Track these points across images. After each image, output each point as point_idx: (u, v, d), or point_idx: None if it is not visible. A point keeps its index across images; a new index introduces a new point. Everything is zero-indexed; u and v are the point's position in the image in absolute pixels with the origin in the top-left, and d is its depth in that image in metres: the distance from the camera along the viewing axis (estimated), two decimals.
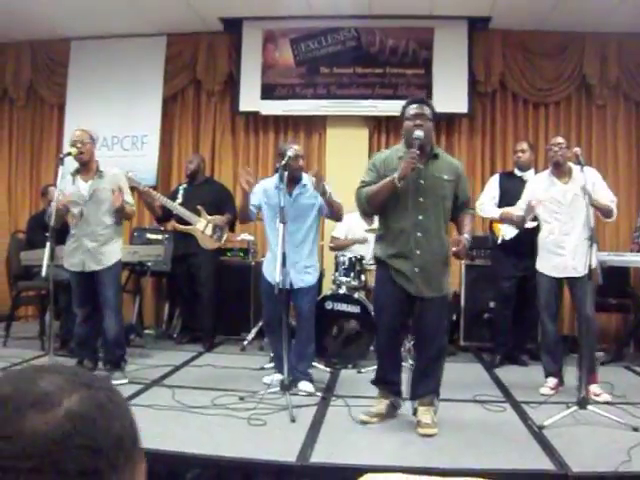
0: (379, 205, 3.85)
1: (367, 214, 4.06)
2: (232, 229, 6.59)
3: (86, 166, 4.87)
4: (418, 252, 3.75)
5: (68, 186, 4.86)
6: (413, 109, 3.81)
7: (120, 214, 4.89)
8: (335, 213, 4.73)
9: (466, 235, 3.83)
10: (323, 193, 4.46)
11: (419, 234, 3.75)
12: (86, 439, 0.73)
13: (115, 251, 4.94)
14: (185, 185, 6.58)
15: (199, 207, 6.28)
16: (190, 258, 6.40)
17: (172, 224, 6.48)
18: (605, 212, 4.53)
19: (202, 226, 6.30)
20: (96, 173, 4.88)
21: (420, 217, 3.75)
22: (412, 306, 3.87)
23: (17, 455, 0.70)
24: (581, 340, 4.38)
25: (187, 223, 6.32)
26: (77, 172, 4.89)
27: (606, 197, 4.54)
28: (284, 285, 4.21)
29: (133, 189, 5.43)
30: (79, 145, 4.78)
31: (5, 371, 0.81)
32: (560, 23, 6.93)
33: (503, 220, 5.53)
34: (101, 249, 4.84)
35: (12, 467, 0.69)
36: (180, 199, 6.36)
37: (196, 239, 6.31)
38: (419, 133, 3.69)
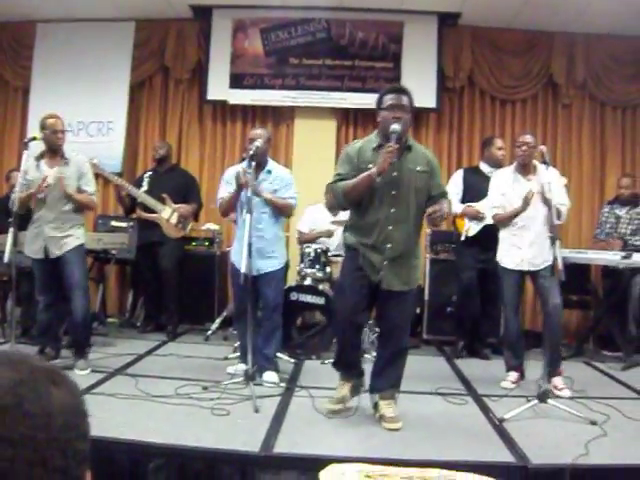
0: (356, 199, 3.75)
1: (342, 208, 4.05)
2: (196, 218, 6.57)
3: (54, 152, 4.80)
4: (389, 245, 3.70)
5: (31, 170, 4.75)
6: (391, 99, 3.70)
7: (70, 200, 4.77)
8: (280, 211, 4.74)
9: (444, 205, 3.71)
10: (262, 197, 4.54)
11: (390, 227, 3.69)
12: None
13: (78, 235, 4.85)
14: (150, 172, 6.52)
15: (164, 195, 6.24)
16: (154, 247, 6.36)
17: (137, 212, 6.42)
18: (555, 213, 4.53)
19: (167, 214, 6.27)
20: (62, 159, 4.80)
21: (392, 210, 3.69)
22: (375, 297, 3.81)
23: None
24: (547, 331, 4.40)
25: (152, 211, 6.27)
26: (41, 156, 4.80)
27: (558, 199, 4.52)
28: (251, 273, 4.22)
29: (98, 176, 5.36)
30: (60, 135, 4.73)
31: None
32: (529, 21, 7.01)
33: (465, 215, 5.60)
34: (63, 235, 4.76)
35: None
36: (145, 186, 6.30)
37: (161, 227, 6.27)
38: (396, 127, 3.58)
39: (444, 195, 3.89)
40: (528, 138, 4.79)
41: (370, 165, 3.65)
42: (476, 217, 5.51)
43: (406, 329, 3.89)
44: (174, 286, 6.42)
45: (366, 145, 3.83)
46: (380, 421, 3.71)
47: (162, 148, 6.66)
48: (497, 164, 5.61)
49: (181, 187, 6.48)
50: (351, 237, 3.85)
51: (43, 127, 4.77)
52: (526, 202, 4.57)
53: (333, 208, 4.14)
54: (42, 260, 4.78)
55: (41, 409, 0.77)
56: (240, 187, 4.47)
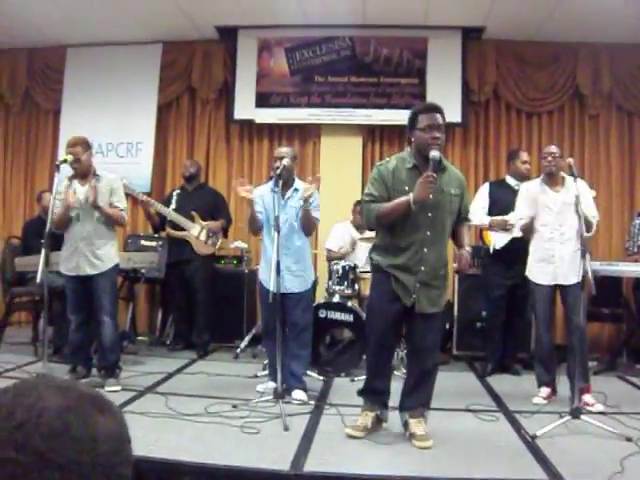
0: (390, 223, 3.67)
1: (371, 229, 3.97)
2: (225, 235, 6.61)
3: (80, 171, 4.87)
4: (423, 268, 3.63)
5: (64, 190, 4.84)
6: (428, 119, 3.58)
7: (98, 211, 4.80)
8: (305, 226, 4.69)
9: (467, 248, 3.79)
10: (305, 200, 4.46)
11: (425, 249, 3.63)
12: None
13: (111, 255, 4.91)
14: (179, 190, 6.58)
15: (193, 213, 6.30)
16: (184, 264, 6.41)
17: (167, 230, 6.48)
18: (585, 226, 4.48)
19: (196, 232, 6.32)
20: (93, 177, 4.88)
21: (428, 232, 3.62)
22: (407, 318, 3.77)
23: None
24: (571, 349, 4.38)
25: (181, 229, 6.33)
26: (74, 176, 4.89)
27: (588, 212, 4.49)
28: (279, 291, 4.24)
29: (128, 196, 5.43)
30: (76, 165, 4.80)
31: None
32: (553, 33, 6.98)
33: (492, 228, 5.56)
34: (96, 253, 4.82)
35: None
36: (174, 205, 6.36)
37: (190, 245, 6.32)
38: (436, 154, 3.49)
39: (466, 218, 3.93)
40: (553, 148, 4.77)
41: (406, 187, 3.58)
42: (504, 227, 5.46)
43: (436, 348, 3.86)
44: (205, 303, 6.45)
45: (400, 165, 3.72)
46: (411, 439, 3.67)
47: (192, 166, 6.71)
48: (522, 177, 5.57)
49: (209, 205, 6.53)
50: (380, 258, 3.77)
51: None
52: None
53: (361, 227, 4.11)
54: (75, 278, 4.84)
55: (87, 435, 0.79)
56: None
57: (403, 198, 3.55)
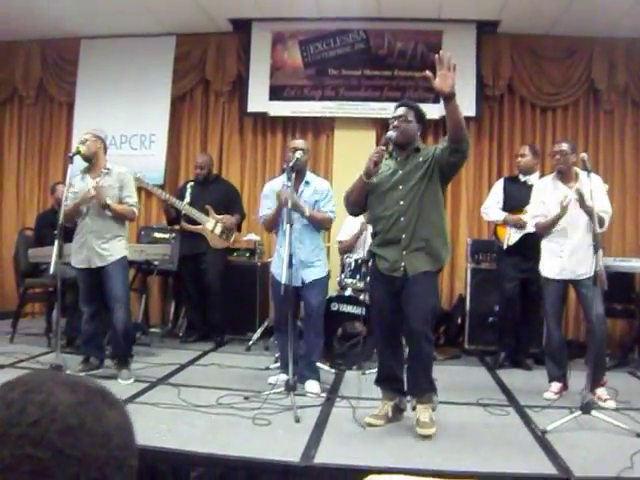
0: (355, 201, 4.04)
1: (351, 213, 4.30)
2: (239, 229, 6.63)
3: (92, 163, 4.91)
4: (404, 236, 3.83)
5: (78, 183, 4.91)
6: (395, 112, 3.99)
7: (107, 210, 4.84)
8: (319, 225, 4.84)
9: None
10: (302, 213, 4.63)
11: (402, 218, 3.84)
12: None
13: (120, 248, 4.95)
14: (192, 183, 6.58)
15: (207, 206, 6.32)
16: (199, 257, 6.45)
17: (181, 224, 6.51)
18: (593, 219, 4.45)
19: (211, 225, 6.35)
20: (103, 170, 4.91)
21: (401, 202, 3.85)
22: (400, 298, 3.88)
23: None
24: (591, 341, 4.35)
25: (196, 223, 6.35)
26: (87, 170, 4.94)
27: (600, 207, 4.47)
28: (294, 283, 4.27)
29: (141, 189, 5.46)
30: (81, 145, 4.85)
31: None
32: (569, 28, 6.93)
33: (507, 223, 5.56)
34: (106, 245, 4.86)
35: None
36: (188, 198, 6.37)
37: (205, 239, 6.35)
38: (390, 133, 3.87)
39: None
40: (563, 146, 4.76)
41: (380, 170, 3.90)
42: (518, 225, 5.46)
43: (424, 326, 3.79)
44: (218, 296, 6.49)
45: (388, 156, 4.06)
46: (415, 426, 3.71)
47: (203, 168, 6.67)
48: (523, 171, 5.63)
49: (224, 198, 6.55)
50: (373, 242, 4.08)
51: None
52: (564, 208, 4.53)
53: (351, 214, 4.31)
54: (86, 270, 4.89)
55: (101, 429, 0.80)
56: (281, 205, 4.57)
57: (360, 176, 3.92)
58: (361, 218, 5.95)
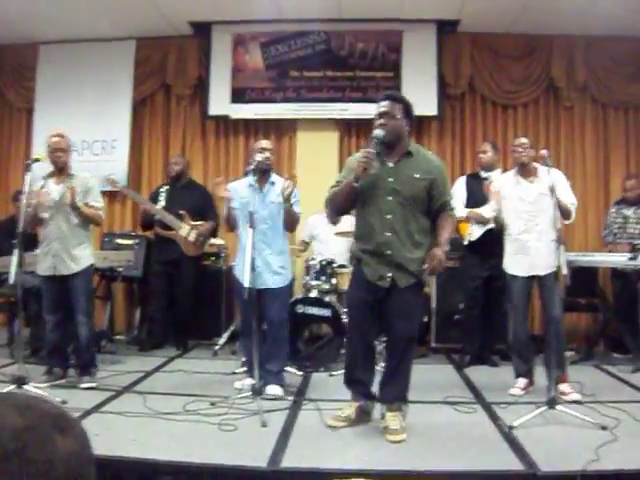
0: (337, 206, 3.89)
1: (329, 216, 4.16)
2: (214, 234, 6.55)
3: (60, 170, 4.84)
4: (389, 252, 3.69)
5: (38, 189, 4.82)
6: (380, 107, 3.73)
7: (78, 214, 4.79)
8: (289, 224, 4.70)
9: (442, 247, 3.70)
10: (287, 200, 4.47)
11: (388, 234, 3.68)
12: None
13: (86, 255, 4.89)
14: (167, 187, 6.50)
15: (182, 212, 6.23)
16: (171, 264, 6.37)
17: (155, 228, 6.44)
18: (564, 213, 4.50)
19: (185, 232, 6.25)
20: (67, 176, 4.84)
21: (388, 216, 3.68)
22: (383, 304, 3.79)
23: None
24: (549, 340, 4.43)
25: (169, 228, 6.27)
26: (49, 176, 4.86)
27: (567, 199, 4.58)
28: (257, 285, 4.23)
29: (105, 193, 5.39)
30: (60, 154, 4.79)
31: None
32: (528, 26, 7.01)
33: (470, 219, 5.60)
34: (72, 253, 4.79)
35: None
36: (163, 202, 6.30)
37: (178, 245, 6.26)
38: (377, 132, 3.63)
39: (445, 206, 3.84)
40: (523, 140, 4.83)
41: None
42: (481, 220, 5.50)
43: (411, 335, 3.81)
44: (190, 303, 6.46)
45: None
46: (384, 433, 3.68)
47: (178, 164, 6.63)
48: (485, 167, 5.70)
49: (198, 203, 6.45)
50: (355, 247, 3.92)
51: (47, 146, 4.84)
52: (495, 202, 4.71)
53: (329, 217, 4.16)
54: (50, 278, 4.81)
55: (44, 456, 0.77)
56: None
57: (347, 181, 3.69)
58: (322, 226, 5.97)
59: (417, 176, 3.71)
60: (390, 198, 3.68)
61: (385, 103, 3.73)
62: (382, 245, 3.70)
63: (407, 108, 3.78)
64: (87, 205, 4.84)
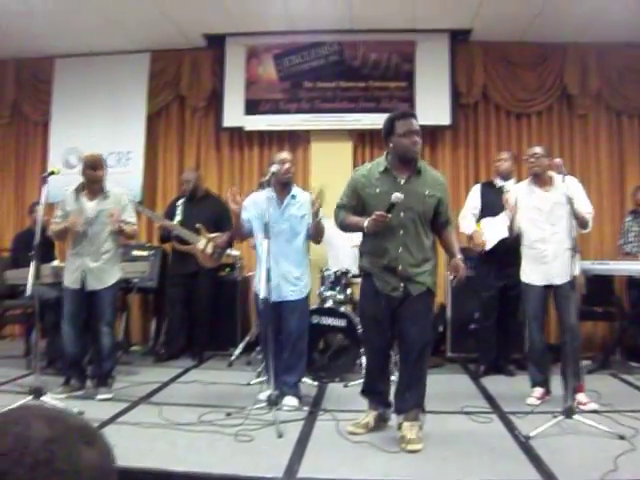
0: (350, 232, 4.12)
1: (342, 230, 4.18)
2: (231, 245, 6.57)
3: (95, 185, 4.90)
4: (400, 267, 3.75)
5: (69, 202, 4.88)
6: (407, 125, 3.75)
7: (119, 234, 4.90)
8: (316, 236, 4.72)
9: (459, 256, 3.88)
10: (316, 215, 4.49)
11: (400, 249, 3.76)
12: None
13: (117, 270, 4.98)
14: (183, 200, 6.54)
15: (199, 226, 6.24)
16: (189, 277, 6.41)
17: (173, 243, 6.49)
18: (581, 222, 4.50)
19: (202, 245, 6.26)
20: (102, 193, 4.90)
21: (401, 232, 3.76)
22: (396, 314, 3.85)
23: None
24: (565, 349, 4.41)
25: (187, 242, 6.31)
26: (82, 188, 4.91)
27: (583, 208, 4.56)
28: (275, 298, 4.24)
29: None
30: (96, 186, 4.88)
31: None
32: (540, 34, 7.01)
33: (471, 239, 5.62)
34: (104, 268, 4.86)
35: None
36: (179, 216, 6.34)
37: (196, 258, 6.29)
38: (398, 196, 3.59)
39: (450, 222, 4.01)
40: (536, 149, 4.81)
41: (377, 190, 3.80)
42: (477, 247, 5.53)
43: (425, 344, 3.84)
44: (207, 315, 6.50)
45: (374, 169, 3.92)
46: (401, 442, 3.67)
47: (189, 182, 6.65)
48: (503, 176, 5.66)
49: (215, 215, 6.46)
50: (365, 260, 3.95)
51: (84, 171, 4.91)
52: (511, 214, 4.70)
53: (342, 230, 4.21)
54: (77, 291, 4.84)
55: (71, 467, 0.79)
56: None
57: (361, 222, 3.78)
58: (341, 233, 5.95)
59: (427, 193, 3.81)
60: (402, 215, 3.75)
61: (415, 121, 3.78)
62: (394, 260, 3.77)
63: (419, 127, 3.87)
64: (124, 222, 4.91)
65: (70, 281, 4.88)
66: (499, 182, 5.75)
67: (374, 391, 4.06)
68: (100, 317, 4.87)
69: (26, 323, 6.25)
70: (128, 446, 3.54)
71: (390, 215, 3.62)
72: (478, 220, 5.72)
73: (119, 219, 4.81)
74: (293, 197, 4.72)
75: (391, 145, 3.83)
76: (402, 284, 3.76)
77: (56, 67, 7.78)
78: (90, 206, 4.86)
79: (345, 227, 4.00)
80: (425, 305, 3.84)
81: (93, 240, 4.85)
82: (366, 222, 3.71)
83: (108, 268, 4.89)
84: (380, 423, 4.02)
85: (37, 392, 4.31)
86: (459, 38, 7.23)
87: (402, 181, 3.78)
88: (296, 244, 4.70)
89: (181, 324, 6.59)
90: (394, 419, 3.97)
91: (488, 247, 5.57)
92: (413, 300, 3.77)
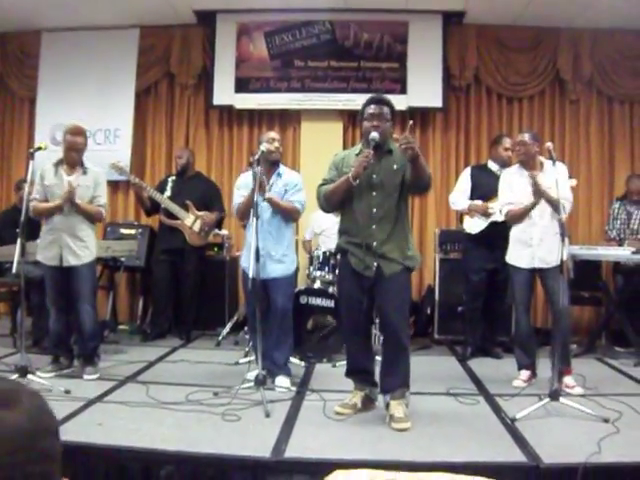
0: (336, 203, 3.97)
1: (326, 211, 4.22)
2: (219, 226, 6.55)
3: (72, 159, 4.83)
4: (374, 243, 3.80)
5: (49, 176, 4.82)
6: (371, 109, 3.87)
7: (74, 208, 4.76)
8: (286, 215, 4.72)
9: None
10: (269, 200, 4.55)
11: (374, 226, 3.82)
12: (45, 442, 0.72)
13: (92, 247, 4.91)
14: (174, 177, 6.52)
15: (188, 202, 6.24)
16: (175, 253, 6.38)
17: (160, 217, 6.45)
18: (554, 207, 4.48)
19: (190, 222, 6.26)
20: (80, 168, 4.84)
21: (374, 210, 3.82)
22: (373, 293, 3.87)
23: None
24: (555, 332, 4.42)
25: (175, 217, 6.28)
26: (60, 162, 4.84)
27: (560, 194, 4.48)
28: (260, 277, 4.22)
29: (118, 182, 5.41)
30: (74, 154, 4.79)
31: None
32: (534, 18, 6.98)
33: (471, 211, 5.59)
34: (80, 244, 4.80)
35: None
36: (169, 192, 6.33)
37: (183, 234, 6.27)
38: (375, 135, 3.75)
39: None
40: (524, 136, 4.77)
41: (352, 169, 3.81)
42: (484, 213, 5.49)
43: (403, 322, 3.89)
44: (192, 293, 6.48)
45: (351, 153, 4.05)
46: (389, 422, 3.70)
47: (182, 158, 6.64)
48: (504, 164, 5.59)
49: (204, 195, 6.47)
50: (341, 239, 4.02)
51: (64, 141, 4.85)
52: (537, 194, 4.56)
53: (324, 210, 4.22)
54: (55, 268, 4.80)
55: None
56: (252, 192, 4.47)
57: (343, 178, 3.83)
58: (330, 216, 5.92)
59: (395, 167, 3.86)
60: (374, 193, 3.84)
61: (377, 106, 3.88)
62: (368, 237, 3.82)
63: (393, 111, 3.94)
64: (93, 199, 4.86)
65: (47, 257, 4.82)
66: (494, 166, 5.68)
67: (358, 371, 4.08)
68: (79, 295, 4.81)
69: (11, 301, 6.20)
70: (115, 425, 3.54)
71: (372, 151, 3.69)
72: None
73: (75, 190, 4.69)
74: (279, 175, 4.73)
75: (362, 130, 3.96)
76: (375, 263, 3.80)
77: (43, 41, 7.66)
78: (69, 180, 4.77)
79: (329, 198, 3.94)
80: (399, 284, 3.86)
81: (68, 216, 4.76)
82: (349, 173, 3.76)
83: (85, 245, 4.83)
84: (367, 403, 4.04)
85: (22, 371, 4.29)
86: (452, 20, 7.18)
87: (372, 161, 3.79)
88: (280, 221, 4.70)
89: (167, 303, 6.56)
90: (381, 400, 3.98)
91: (475, 231, 5.57)
92: (388, 279, 3.81)
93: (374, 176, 3.83)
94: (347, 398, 4.02)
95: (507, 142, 5.74)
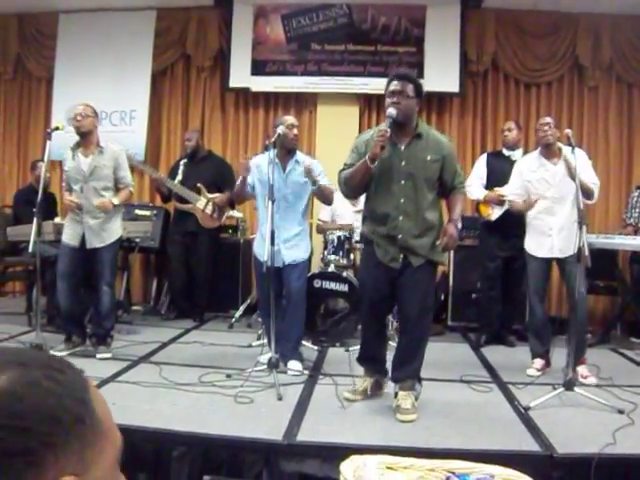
0: (356, 188, 3.81)
1: (347, 196, 4.09)
2: (232, 206, 6.54)
3: (86, 140, 4.80)
4: (400, 236, 3.67)
5: (67, 161, 4.83)
6: (393, 85, 3.67)
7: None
8: (325, 198, 4.69)
9: (455, 224, 3.72)
10: (313, 183, 4.45)
11: (401, 217, 3.67)
12: (10, 418, 0.69)
13: (116, 228, 4.92)
14: (186, 160, 6.51)
15: (199, 185, 6.25)
16: (189, 236, 6.40)
17: (174, 202, 6.49)
18: (586, 193, 4.39)
19: (202, 204, 6.28)
20: (96, 148, 4.82)
21: (402, 200, 3.66)
22: (396, 283, 3.77)
23: None
24: (571, 321, 4.38)
25: (187, 201, 6.30)
26: (77, 146, 4.83)
27: (588, 179, 4.47)
28: (275, 263, 4.21)
29: (133, 168, 5.41)
30: (79, 118, 4.73)
31: None
32: (554, 3, 6.90)
33: (487, 202, 5.55)
34: (103, 226, 4.82)
35: None
36: (180, 176, 6.34)
37: (196, 218, 6.28)
38: (391, 111, 3.58)
39: (457, 185, 3.84)
40: (547, 119, 4.71)
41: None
42: (499, 202, 5.45)
43: (424, 316, 3.79)
44: (206, 275, 6.50)
45: (374, 133, 3.75)
46: (395, 412, 3.65)
47: (190, 140, 6.59)
48: (509, 146, 5.59)
49: (216, 176, 6.46)
50: (365, 228, 3.90)
51: (70, 115, 4.84)
52: (529, 205, 4.66)
53: (346, 197, 4.14)
54: (75, 248, 4.80)
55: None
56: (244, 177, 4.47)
57: (361, 160, 3.64)
58: (348, 204, 5.88)
59: (429, 158, 3.69)
60: (403, 182, 3.67)
61: (397, 82, 3.67)
62: (394, 229, 3.69)
63: (418, 88, 3.72)
64: (119, 180, 4.88)
65: (69, 238, 4.83)
66: (506, 152, 5.67)
67: (370, 358, 4.02)
68: (100, 276, 4.84)
69: (27, 280, 6.25)
70: (127, 405, 3.55)
71: (389, 129, 3.52)
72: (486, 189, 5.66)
73: (109, 205, 4.76)
74: (297, 162, 4.66)
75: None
76: (402, 255, 3.70)
77: (60, 22, 7.66)
78: (85, 162, 4.78)
79: (349, 181, 3.75)
80: (425, 276, 3.76)
81: (89, 197, 4.77)
82: (367, 154, 3.59)
83: (108, 226, 4.84)
84: (376, 390, 4.01)
85: (38, 349, 4.31)
86: (471, 4, 7.11)
87: (402, 147, 3.68)
88: (297, 209, 4.67)
89: (181, 283, 6.59)
90: (391, 387, 3.95)
91: (494, 218, 5.53)
92: (413, 271, 3.70)
93: (403, 163, 3.66)
94: (357, 384, 4.00)
95: (506, 124, 5.83)
